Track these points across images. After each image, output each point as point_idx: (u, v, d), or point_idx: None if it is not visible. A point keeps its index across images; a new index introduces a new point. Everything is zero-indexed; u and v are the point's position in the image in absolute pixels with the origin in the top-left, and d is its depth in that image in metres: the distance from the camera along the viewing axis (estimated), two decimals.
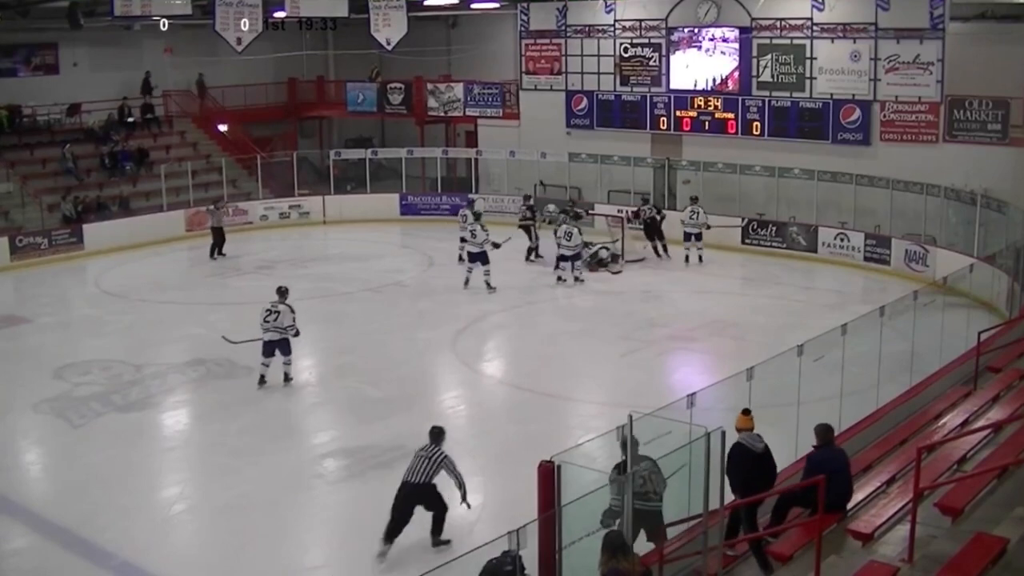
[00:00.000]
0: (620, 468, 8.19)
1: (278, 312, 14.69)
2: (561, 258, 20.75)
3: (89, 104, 28.06)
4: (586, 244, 21.32)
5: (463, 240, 21.04)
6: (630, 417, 7.92)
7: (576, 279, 20.69)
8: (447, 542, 10.06)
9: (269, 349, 14.76)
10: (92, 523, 10.95)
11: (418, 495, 9.95)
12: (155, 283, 21.63)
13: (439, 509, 10.06)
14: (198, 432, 14.03)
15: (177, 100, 30.76)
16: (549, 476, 7.99)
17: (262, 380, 14.91)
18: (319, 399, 15.14)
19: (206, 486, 12.13)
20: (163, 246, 25.04)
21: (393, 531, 9.92)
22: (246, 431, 13.58)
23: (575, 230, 20.69)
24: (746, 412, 8.66)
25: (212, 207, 24.06)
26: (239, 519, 11.14)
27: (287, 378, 15.00)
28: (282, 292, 15.04)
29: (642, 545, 7.76)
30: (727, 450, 8.11)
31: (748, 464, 8.37)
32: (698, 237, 22.04)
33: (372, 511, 11.05)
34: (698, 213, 22.08)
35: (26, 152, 26.71)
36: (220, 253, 23.63)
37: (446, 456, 10.01)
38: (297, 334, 14.86)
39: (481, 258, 19.62)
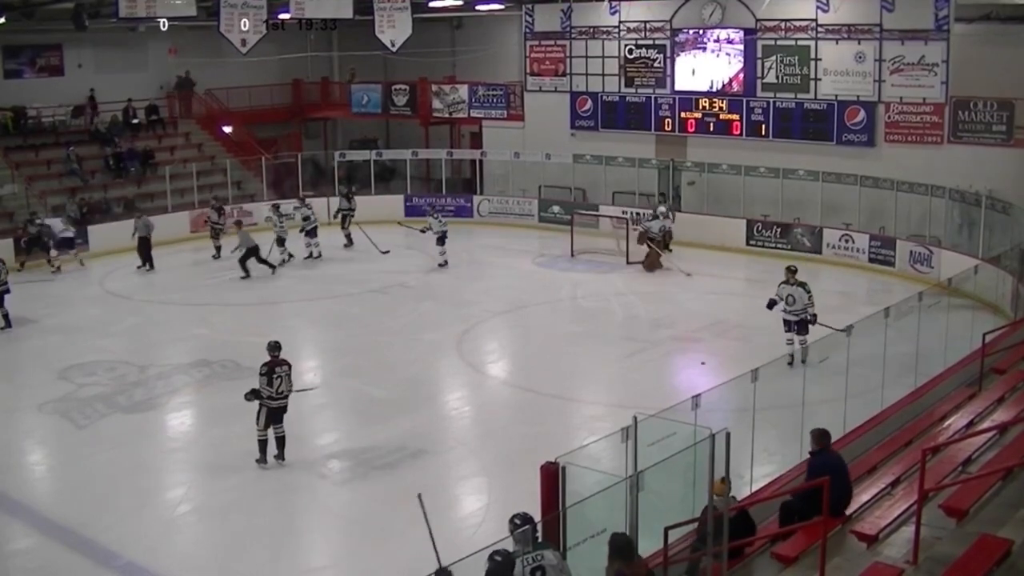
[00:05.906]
0: None
1: None
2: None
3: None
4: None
5: None
6: (635, 418, 7.91)
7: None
8: None
9: None
10: (96, 523, 10.97)
11: None
12: (159, 284, 21.67)
13: None
14: (202, 433, 14.06)
15: (182, 102, 30.81)
16: (553, 477, 7.97)
17: None
18: (323, 400, 15.12)
19: (211, 487, 12.15)
20: (168, 247, 25.03)
21: None
22: (250, 432, 13.56)
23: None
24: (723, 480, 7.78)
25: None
26: (244, 520, 11.16)
27: None
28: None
29: (644, 546, 7.74)
30: (729, 457, 7.97)
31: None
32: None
33: (377, 512, 11.08)
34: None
35: (31, 153, 26.76)
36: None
37: None
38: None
39: None
